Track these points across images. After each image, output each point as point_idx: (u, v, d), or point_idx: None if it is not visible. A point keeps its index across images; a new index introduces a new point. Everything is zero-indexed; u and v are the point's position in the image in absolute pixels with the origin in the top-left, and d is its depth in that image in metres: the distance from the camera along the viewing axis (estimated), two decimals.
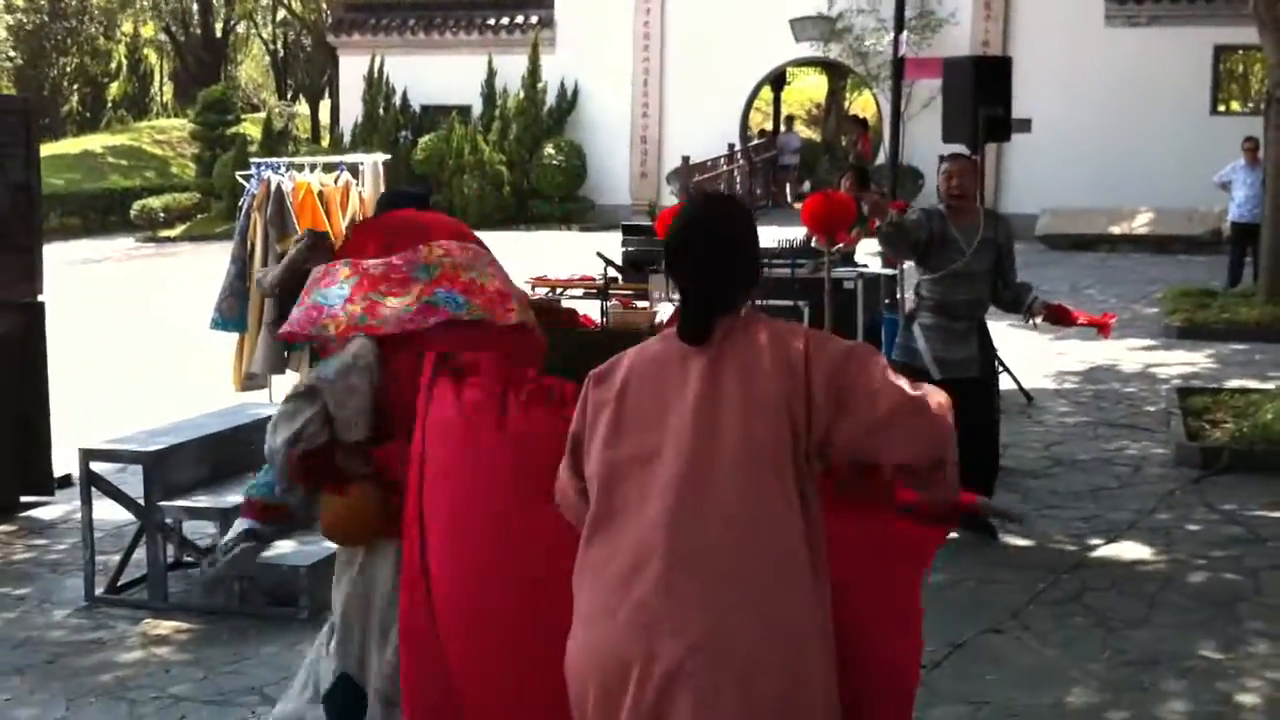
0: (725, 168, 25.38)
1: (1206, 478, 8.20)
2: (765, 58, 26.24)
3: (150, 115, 44.93)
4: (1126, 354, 12.87)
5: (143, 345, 14.18)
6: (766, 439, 2.78)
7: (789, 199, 28.05)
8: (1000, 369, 10.33)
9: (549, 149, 26.24)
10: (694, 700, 2.69)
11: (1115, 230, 21.95)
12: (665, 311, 7.57)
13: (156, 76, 49.25)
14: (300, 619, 5.95)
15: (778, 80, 30.98)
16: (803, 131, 34.18)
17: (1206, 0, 23.56)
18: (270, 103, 44.30)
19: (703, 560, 2.75)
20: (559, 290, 9.96)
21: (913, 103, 20.41)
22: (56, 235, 24.02)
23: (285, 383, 10.13)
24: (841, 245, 10.24)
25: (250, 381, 10.09)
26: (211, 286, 10.56)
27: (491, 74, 27.16)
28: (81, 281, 19.39)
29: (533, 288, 10.03)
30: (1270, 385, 10.43)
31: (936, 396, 2.87)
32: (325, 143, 33.25)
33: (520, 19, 27.72)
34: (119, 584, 6.42)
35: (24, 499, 8.00)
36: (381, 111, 27.78)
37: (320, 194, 10.21)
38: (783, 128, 32.01)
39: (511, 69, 26.81)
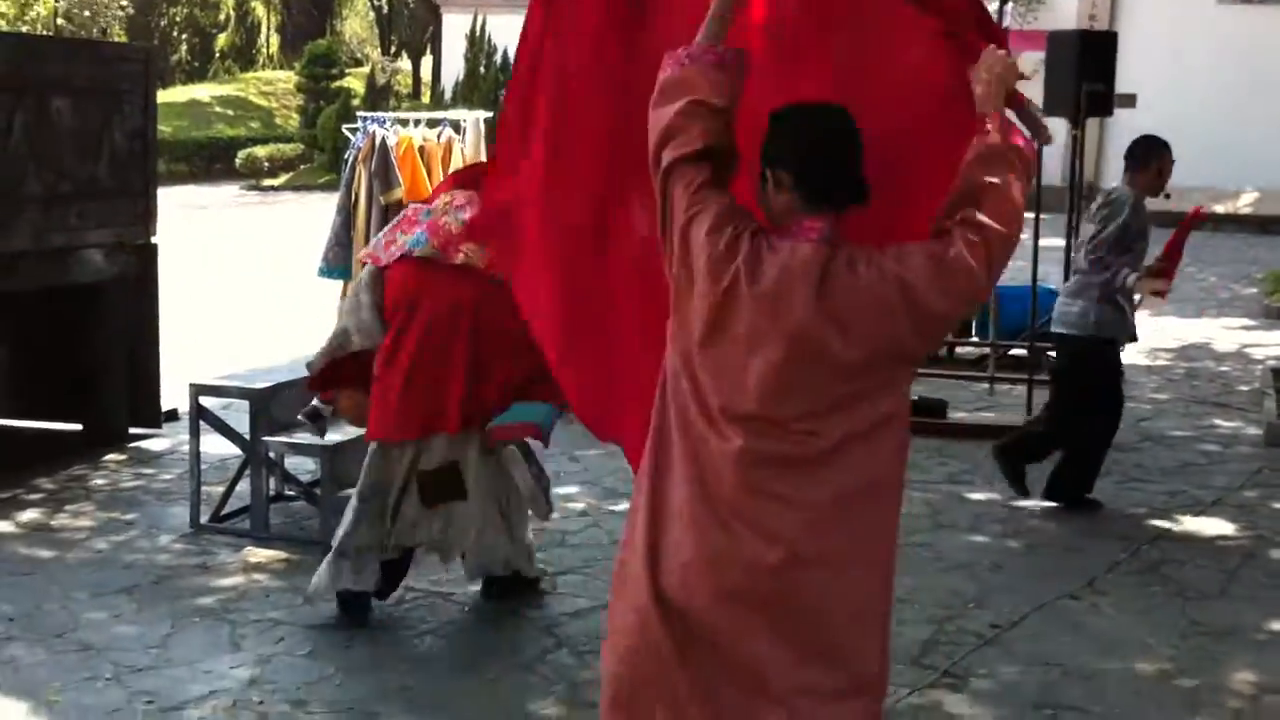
0: None
1: None
2: None
3: (256, 67, 45.63)
4: (1222, 333, 12.76)
5: (248, 289, 14.55)
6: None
7: None
8: None
9: None
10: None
11: (1218, 209, 21.63)
12: None
13: (263, 29, 49.92)
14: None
15: None
16: None
17: None
18: (373, 58, 44.76)
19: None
20: None
21: None
22: (164, 181, 24.42)
23: None
24: None
25: None
26: (314, 235, 10.84)
27: None
28: (189, 226, 19.83)
29: None
30: None
31: None
32: (426, 99, 33.61)
33: None
34: (222, 514, 6.68)
35: (133, 431, 8.32)
36: (482, 69, 28.02)
37: (421, 149, 10.41)
38: None
39: None
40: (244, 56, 46.60)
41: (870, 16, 3.27)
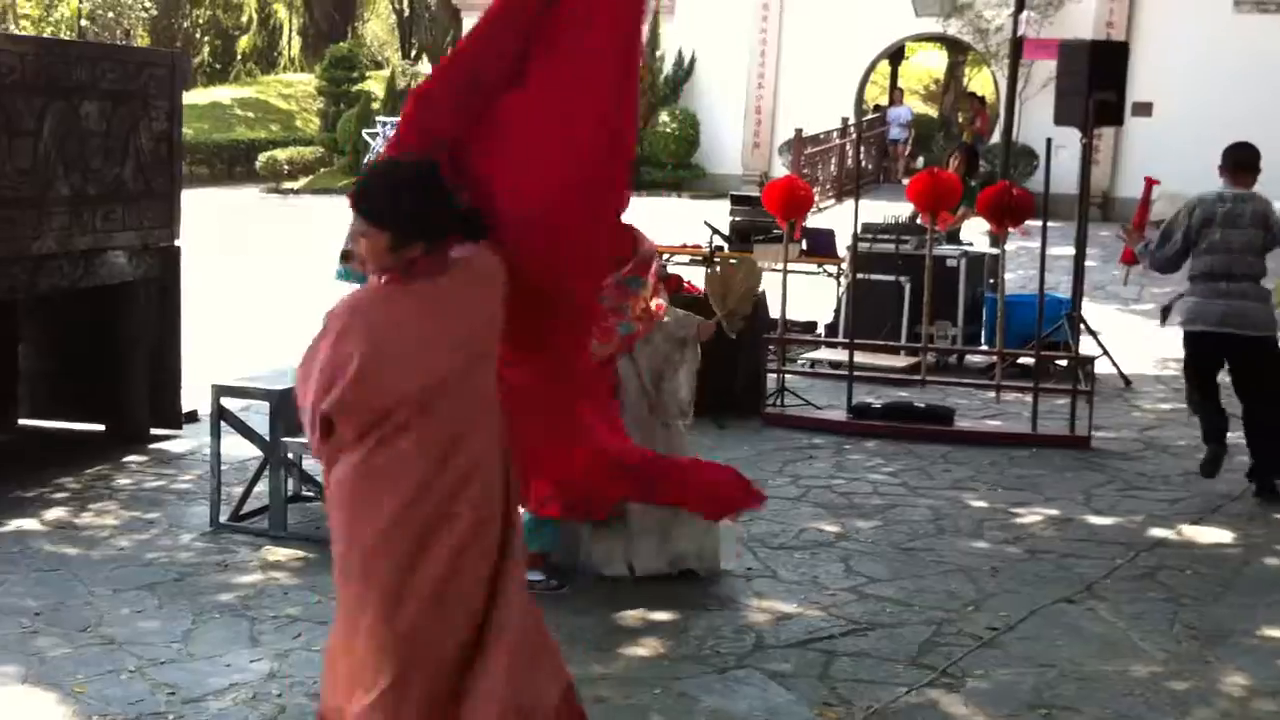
0: (838, 141, 25.44)
1: None
2: (884, 32, 26.22)
3: (277, 69, 45.90)
4: None
5: (268, 292, 14.73)
6: None
7: (900, 174, 28.00)
8: (1101, 352, 10.48)
9: (664, 116, 26.49)
10: None
11: None
12: None
13: (285, 31, 50.22)
14: None
15: (895, 55, 30.87)
16: (918, 107, 33.94)
17: None
18: (394, 61, 45.00)
19: None
20: (666, 257, 10.32)
21: (1031, 83, 20.33)
22: (185, 183, 24.65)
23: None
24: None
25: None
26: (333, 238, 10.98)
27: None
28: (209, 228, 20.02)
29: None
30: None
31: None
32: None
33: None
34: (241, 513, 6.85)
35: (154, 431, 8.50)
36: None
37: None
38: (893, 101, 31.80)
39: None
40: (265, 59, 46.87)
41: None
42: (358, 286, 10.75)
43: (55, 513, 6.99)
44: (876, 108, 30.92)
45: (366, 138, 11.24)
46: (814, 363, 11.19)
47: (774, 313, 9.83)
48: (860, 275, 10.21)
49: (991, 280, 11.51)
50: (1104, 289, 15.52)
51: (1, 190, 7.16)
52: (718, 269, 6.64)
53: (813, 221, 12.73)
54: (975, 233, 13.13)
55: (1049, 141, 9.50)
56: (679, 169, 26.49)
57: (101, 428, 8.49)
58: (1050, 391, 9.48)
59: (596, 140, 3.75)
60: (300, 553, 6.40)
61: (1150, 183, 9.39)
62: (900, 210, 12.83)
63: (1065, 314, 10.44)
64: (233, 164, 31.51)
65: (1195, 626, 5.68)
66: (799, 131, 24.41)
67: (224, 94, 38.06)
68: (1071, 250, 10.98)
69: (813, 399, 9.72)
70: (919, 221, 11.40)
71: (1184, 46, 23.19)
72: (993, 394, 10.12)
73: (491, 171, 3.72)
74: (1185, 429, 9.32)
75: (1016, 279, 13.72)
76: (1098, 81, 10.25)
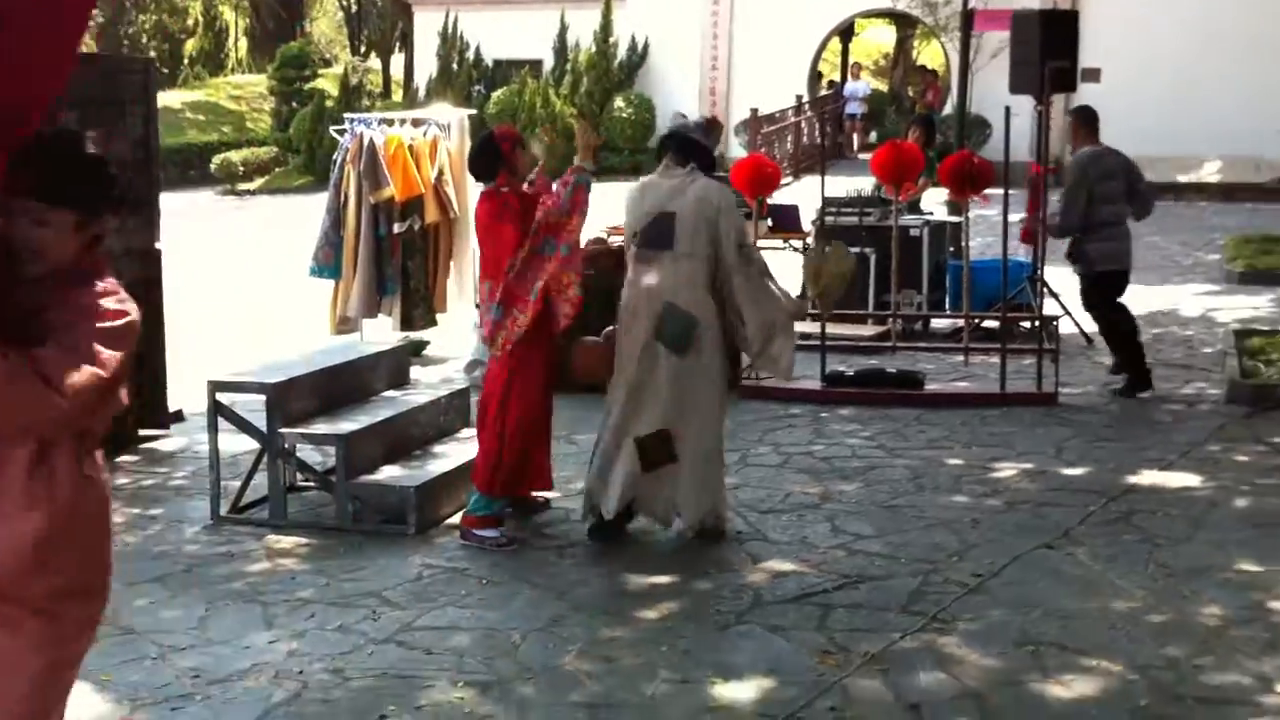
0: (793, 119, 25.70)
1: (1257, 413, 8.59)
2: (834, 9, 26.50)
3: (225, 71, 45.76)
4: (1188, 299, 13.19)
5: (237, 293, 14.84)
6: None
7: (855, 149, 28.30)
8: (1063, 312, 10.77)
9: (619, 102, 26.69)
10: None
11: (1182, 179, 22.12)
12: None
13: (232, 33, 50.06)
14: (409, 534, 6.53)
15: (846, 32, 31.15)
16: (870, 82, 34.24)
17: None
18: (343, 58, 44.95)
19: None
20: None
21: (981, 53, 20.63)
22: None
23: (377, 326, 10.76)
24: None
25: (344, 325, 10.70)
26: (297, 236, 11.15)
27: (563, 28, 27.62)
28: (171, 232, 20.06)
29: (608, 235, 10.57)
30: None
31: None
32: (397, 97, 33.86)
33: None
34: (240, 505, 7.02)
35: (142, 432, 8.63)
36: (455, 67, 28.33)
37: (410, 148, 10.74)
38: (850, 76, 32.11)
39: (583, 23, 27.24)
40: (213, 61, 46.69)
41: None
42: (333, 282, 10.89)
43: None
44: (830, 84, 31.21)
45: (334, 135, 11.31)
46: None
47: None
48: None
49: (953, 248, 11.78)
50: (1062, 252, 15.83)
51: None
52: (811, 254, 7.01)
53: (775, 198, 12.95)
54: (933, 202, 13.39)
55: (1007, 110, 9.75)
56: (636, 153, 26.66)
57: None
58: (1016, 352, 9.76)
59: None
60: (303, 540, 6.57)
61: (1038, 170, 10.09)
62: (860, 184, 13.07)
63: (1027, 277, 10.72)
64: (186, 168, 31.43)
65: (1169, 565, 5.94)
66: (754, 111, 24.66)
67: (173, 98, 37.90)
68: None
69: None
70: (882, 193, 11.64)
71: (1129, 11, 23.59)
72: (960, 357, 10.39)
73: None
74: None
75: (976, 245, 13.98)
76: (1050, 50, 10.52)
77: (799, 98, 26.21)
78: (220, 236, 20.89)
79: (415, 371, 8.68)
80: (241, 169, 30.01)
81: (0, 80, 2.80)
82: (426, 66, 29.14)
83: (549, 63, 27.89)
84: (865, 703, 4.64)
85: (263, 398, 6.86)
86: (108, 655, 5.20)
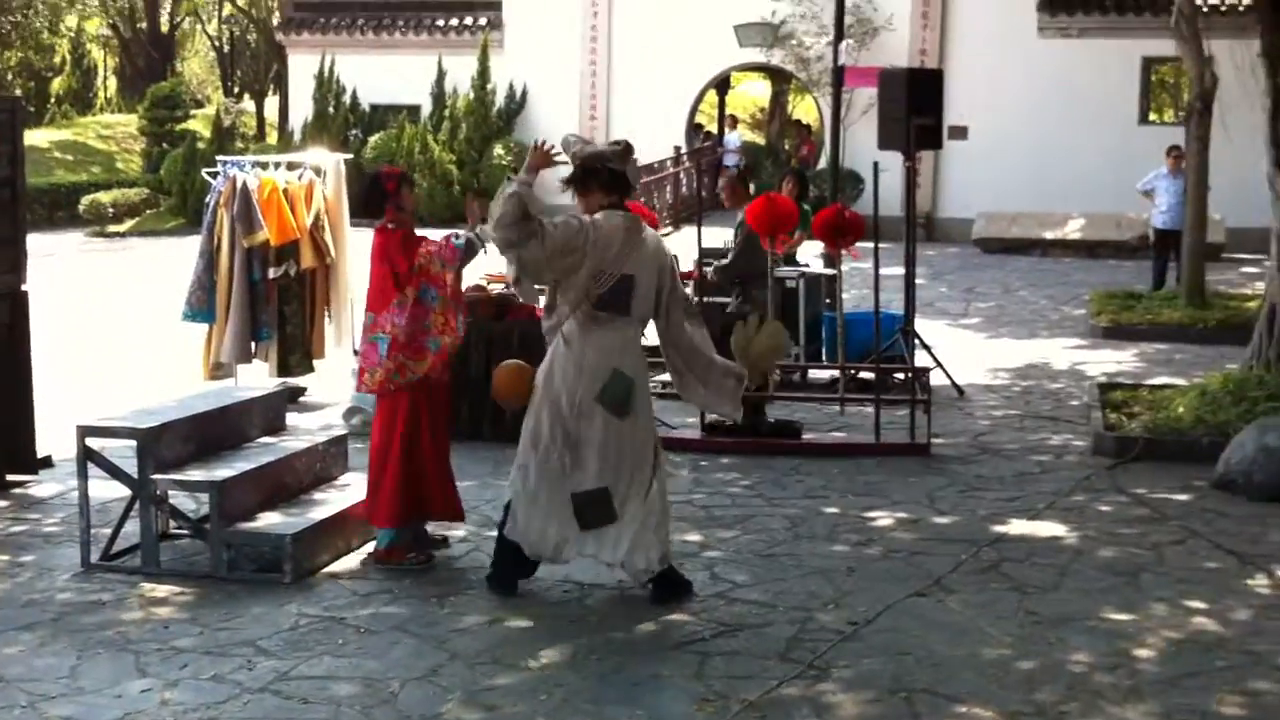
0: (671, 170, 25.96)
1: (1120, 465, 8.86)
2: (710, 62, 26.85)
3: (94, 110, 44.92)
4: (1056, 353, 13.56)
5: (105, 336, 14.52)
6: None
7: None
8: (935, 364, 11.00)
9: (498, 149, 26.72)
10: None
11: (1048, 235, 22.74)
12: None
13: (100, 71, 49.21)
14: (284, 583, 6.44)
15: (722, 84, 31.58)
16: (745, 135, 34.72)
17: (1136, 13, 24.41)
18: (216, 99, 44.41)
19: None
20: (509, 285, 10.53)
21: (853, 109, 21.05)
22: None
23: (253, 372, 10.62)
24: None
25: (218, 371, 10.54)
26: (167, 280, 10.98)
27: (441, 74, 27.60)
28: (38, 275, 19.61)
29: (488, 283, 10.57)
30: (1185, 382, 11.13)
31: None
32: (271, 139, 33.50)
33: (469, 20, 28.22)
34: (112, 552, 6.87)
35: (9, 478, 8.41)
36: (332, 110, 28.13)
37: (285, 192, 10.64)
38: (726, 127, 32.48)
39: (461, 70, 27.26)
40: (81, 100, 45.80)
41: None
42: (206, 327, 10.77)
43: None
44: (706, 135, 31.57)
45: (207, 178, 11.20)
46: (665, 384, 11.48)
47: None
48: (707, 299, 10.56)
49: (829, 300, 11.98)
50: (933, 305, 16.21)
51: None
52: (741, 327, 7.13)
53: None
54: (810, 254, 13.62)
55: (875, 165, 9.98)
56: None
57: None
58: (890, 403, 9.95)
59: None
60: (177, 588, 6.46)
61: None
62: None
63: (900, 329, 10.96)
64: (54, 208, 30.68)
65: (1038, 612, 6.10)
66: (634, 161, 24.80)
67: (41, 137, 37.11)
68: (901, 270, 11.53)
69: (666, 419, 10.01)
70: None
71: (993, 71, 24.31)
72: (837, 407, 10.55)
73: None
74: (1017, 433, 9.90)
75: (850, 298, 14.24)
76: (917, 107, 10.82)
77: (677, 149, 26.48)
78: (90, 279, 20.43)
79: (292, 418, 8.57)
80: (111, 210, 29.37)
81: None
82: (302, 109, 28.89)
83: (427, 108, 27.84)
84: None
85: (134, 443, 6.74)
86: None
